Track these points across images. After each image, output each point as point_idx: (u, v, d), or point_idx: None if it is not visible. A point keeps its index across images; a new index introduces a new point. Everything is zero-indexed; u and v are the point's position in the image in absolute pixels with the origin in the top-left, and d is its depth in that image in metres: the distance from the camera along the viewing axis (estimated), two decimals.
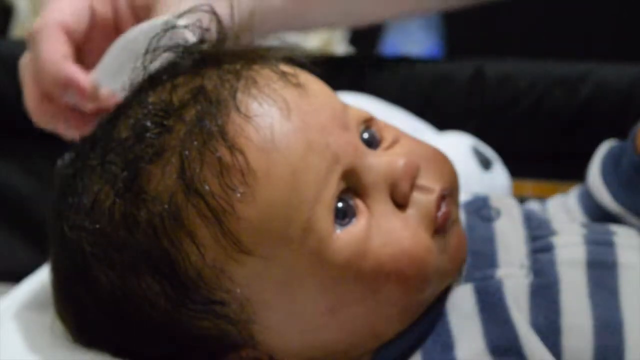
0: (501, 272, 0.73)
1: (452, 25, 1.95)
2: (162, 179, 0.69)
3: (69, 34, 0.83)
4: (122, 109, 0.74)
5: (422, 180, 0.72)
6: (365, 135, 0.73)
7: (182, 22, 0.76)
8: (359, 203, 0.71)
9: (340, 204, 0.70)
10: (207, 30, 0.75)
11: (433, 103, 1.03)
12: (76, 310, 0.73)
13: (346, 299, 0.69)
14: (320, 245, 0.68)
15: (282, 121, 0.69)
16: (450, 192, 0.73)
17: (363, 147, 0.72)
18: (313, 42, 1.57)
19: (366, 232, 0.70)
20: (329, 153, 0.70)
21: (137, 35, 0.78)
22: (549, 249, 0.74)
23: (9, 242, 1.08)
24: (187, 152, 0.68)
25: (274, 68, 0.72)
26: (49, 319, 0.76)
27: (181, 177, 0.68)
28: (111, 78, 0.79)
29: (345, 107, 0.74)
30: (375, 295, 0.70)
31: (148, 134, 0.70)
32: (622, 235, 0.76)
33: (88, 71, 0.82)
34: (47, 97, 0.84)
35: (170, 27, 0.75)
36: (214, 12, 0.75)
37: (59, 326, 0.75)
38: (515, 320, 0.71)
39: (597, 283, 0.72)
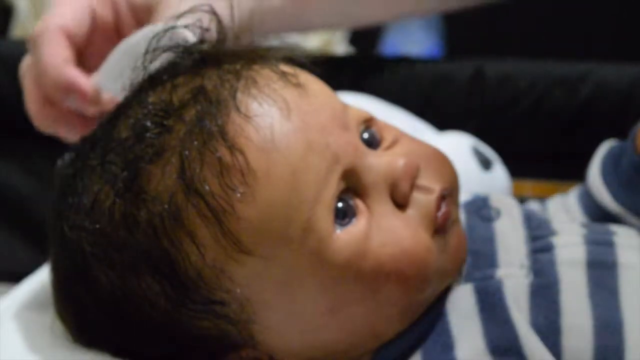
0: (501, 272, 0.73)
1: (452, 25, 1.95)
2: (162, 179, 0.69)
3: (70, 37, 0.83)
4: (122, 109, 0.74)
5: (422, 180, 0.72)
6: (365, 135, 0.73)
7: (182, 22, 0.75)
8: (359, 203, 0.71)
9: (340, 204, 0.70)
10: (207, 30, 0.75)
11: (433, 103, 1.03)
12: (76, 310, 0.73)
13: (346, 299, 0.69)
14: (320, 245, 0.68)
15: (282, 121, 0.69)
16: (450, 192, 0.73)
17: (363, 147, 0.72)
18: (313, 42, 1.57)
19: (366, 232, 0.70)
20: (329, 153, 0.70)
21: (139, 39, 0.78)
22: (549, 249, 0.74)
23: (9, 242, 1.08)
24: (187, 152, 0.68)
25: (274, 68, 0.72)
26: (49, 319, 0.76)
27: (181, 177, 0.68)
28: (113, 82, 0.79)
29: (345, 107, 0.74)
30: (375, 295, 0.70)
31: (148, 134, 0.70)
32: (622, 235, 0.76)
33: (89, 75, 0.82)
34: (48, 101, 0.84)
35: (170, 28, 0.75)
36: (214, 12, 0.75)
37: (59, 326, 0.75)
38: (515, 320, 0.71)
39: (597, 283, 0.72)
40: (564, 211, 0.84)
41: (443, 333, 0.71)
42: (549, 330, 0.71)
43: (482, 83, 1.03)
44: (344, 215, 0.70)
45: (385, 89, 1.02)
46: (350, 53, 1.59)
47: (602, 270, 0.73)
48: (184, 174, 0.68)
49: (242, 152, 0.68)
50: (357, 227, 0.70)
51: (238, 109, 0.69)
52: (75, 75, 0.81)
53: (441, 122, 1.00)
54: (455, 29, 1.93)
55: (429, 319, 0.72)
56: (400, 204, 0.71)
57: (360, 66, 1.06)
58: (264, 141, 0.68)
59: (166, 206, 0.68)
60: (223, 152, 0.68)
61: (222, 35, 0.76)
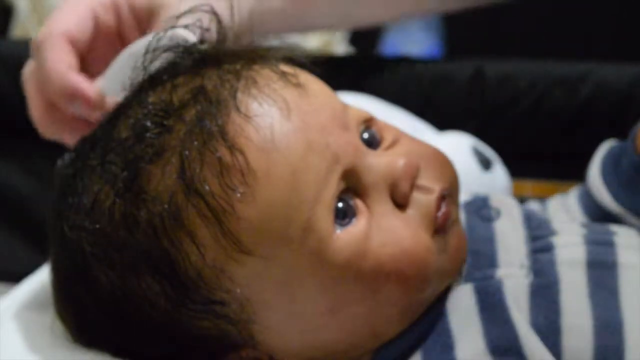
0: (501, 272, 0.73)
1: (452, 25, 1.95)
2: (162, 179, 0.69)
3: (74, 43, 0.82)
4: (122, 109, 0.74)
5: (422, 180, 0.72)
6: (366, 135, 0.73)
7: (182, 22, 0.76)
8: (359, 203, 0.71)
9: (340, 204, 0.70)
10: (207, 30, 0.75)
11: (433, 103, 1.03)
12: (76, 310, 0.73)
13: (346, 299, 0.69)
14: (320, 245, 0.68)
15: (282, 121, 0.69)
16: (450, 192, 0.73)
17: (363, 147, 0.72)
18: (313, 42, 1.57)
19: (366, 232, 0.70)
20: (329, 153, 0.70)
21: (143, 46, 0.78)
22: (549, 249, 0.74)
23: (9, 242, 1.08)
24: (187, 152, 0.68)
25: (274, 68, 0.72)
26: (49, 319, 0.76)
27: (181, 177, 0.68)
28: (117, 88, 0.79)
29: (345, 107, 0.74)
30: (375, 295, 0.70)
31: (148, 134, 0.70)
32: (622, 235, 0.76)
33: (92, 80, 0.82)
34: (52, 107, 0.83)
35: (170, 28, 0.75)
36: (214, 12, 0.76)
37: (59, 326, 0.75)
38: (515, 320, 0.71)
39: (597, 283, 0.72)
40: (564, 211, 0.84)
41: (443, 333, 0.72)
42: (549, 330, 0.71)
43: (482, 83, 1.03)
44: (344, 215, 0.70)
45: (385, 89, 1.02)
46: (350, 53, 1.59)
47: (602, 270, 0.73)
48: (184, 174, 0.68)
49: (242, 152, 0.68)
50: (357, 227, 0.70)
51: (238, 109, 0.69)
52: (80, 81, 0.81)
53: (441, 122, 1.00)
54: (455, 29, 1.93)
55: (429, 319, 0.72)
56: (400, 204, 0.71)
57: (360, 66, 1.06)
58: (264, 141, 0.68)
59: (166, 206, 0.68)
60: (223, 152, 0.68)
61: (222, 35, 0.76)
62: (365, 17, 1.05)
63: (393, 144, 0.74)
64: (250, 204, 0.68)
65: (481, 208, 0.78)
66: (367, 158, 0.71)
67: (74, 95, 0.80)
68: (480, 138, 0.96)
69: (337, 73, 0.92)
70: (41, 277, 0.82)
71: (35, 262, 0.88)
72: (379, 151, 0.73)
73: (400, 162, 0.72)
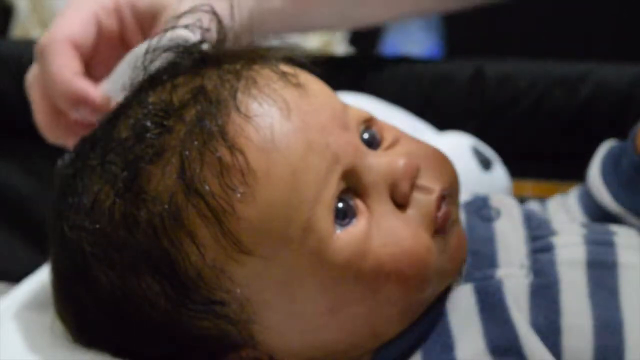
0: (501, 272, 0.73)
1: (452, 25, 1.95)
2: (162, 179, 0.69)
3: (77, 48, 0.82)
4: (122, 109, 0.74)
5: (422, 181, 0.72)
6: (366, 136, 0.73)
7: (182, 22, 0.76)
8: (359, 203, 0.71)
9: (340, 204, 0.70)
10: (207, 30, 0.75)
11: (433, 103, 1.03)
12: (76, 310, 0.73)
13: (346, 299, 0.69)
14: (320, 245, 0.68)
15: (282, 121, 0.69)
16: (450, 192, 0.73)
17: (363, 147, 0.72)
18: (313, 42, 1.57)
19: (366, 232, 0.70)
20: (329, 153, 0.70)
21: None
22: (549, 249, 0.74)
23: (9, 242, 1.08)
24: (187, 152, 0.68)
25: (274, 68, 0.72)
26: (49, 319, 0.76)
27: (181, 177, 0.68)
28: (121, 92, 0.79)
29: (345, 107, 0.74)
30: (375, 295, 0.70)
31: (148, 134, 0.70)
32: (622, 235, 0.76)
33: (95, 83, 0.82)
34: (57, 112, 0.83)
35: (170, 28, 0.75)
36: (214, 12, 0.76)
37: (59, 326, 0.75)
38: (515, 320, 0.71)
39: (597, 283, 0.72)
40: (564, 211, 0.84)
41: (443, 333, 0.72)
42: (549, 330, 0.71)
43: (482, 83, 1.03)
44: (344, 216, 0.70)
45: (385, 89, 1.02)
46: (350, 53, 1.59)
47: (602, 270, 0.73)
48: (184, 174, 0.68)
49: (242, 152, 0.68)
50: (357, 227, 0.70)
51: (238, 109, 0.69)
52: (85, 86, 0.81)
53: (441, 122, 1.00)
54: (455, 29, 1.93)
55: (429, 319, 0.72)
56: (401, 204, 0.71)
57: (360, 66, 1.06)
58: (264, 141, 0.68)
59: (166, 206, 0.68)
60: (223, 152, 0.68)
61: (222, 35, 0.76)
62: (365, 17, 1.05)
63: (393, 144, 0.74)
64: (250, 204, 0.68)
65: (481, 208, 0.78)
66: (367, 158, 0.71)
67: (80, 101, 0.80)
68: (480, 138, 0.96)
69: (337, 73, 0.92)
70: (41, 277, 0.82)
71: (35, 262, 0.88)
72: (379, 151, 0.73)
73: (401, 162, 0.72)
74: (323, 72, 0.75)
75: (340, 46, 1.63)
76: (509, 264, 0.74)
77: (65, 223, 0.71)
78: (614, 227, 0.78)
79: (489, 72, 1.03)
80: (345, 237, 0.69)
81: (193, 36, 0.75)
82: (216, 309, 0.69)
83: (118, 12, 0.85)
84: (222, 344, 0.70)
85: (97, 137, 0.73)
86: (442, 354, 0.71)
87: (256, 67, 0.73)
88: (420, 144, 0.75)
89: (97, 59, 0.84)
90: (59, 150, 0.80)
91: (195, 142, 0.68)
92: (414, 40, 1.96)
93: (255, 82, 0.71)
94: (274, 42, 0.92)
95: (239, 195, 0.67)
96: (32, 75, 0.85)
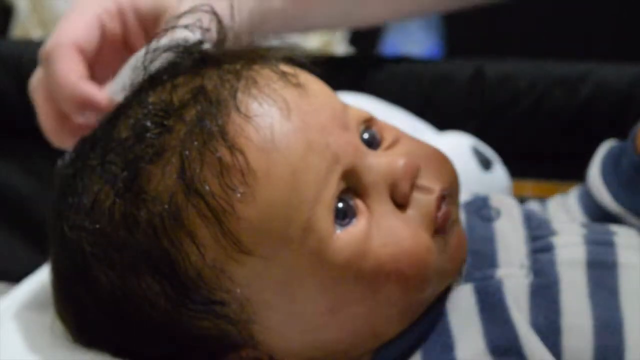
0: (501, 272, 0.73)
1: (452, 25, 1.95)
2: (162, 179, 0.69)
3: (82, 52, 0.82)
4: (122, 109, 0.74)
5: (422, 180, 0.72)
6: (366, 136, 0.73)
7: (182, 22, 0.76)
8: (359, 203, 0.71)
9: (340, 204, 0.70)
10: (207, 30, 0.75)
11: (433, 103, 1.03)
12: (76, 310, 0.73)
13: (346, 299, 0.69)
14: (320, 245, 0.68)
15: (282, 121, 0.69)
16: (450, 192, 0.73)
17: (363, 147, 0.72)
18: (313, 42, 1.57)
19: (366, 232, 0.70)
20: (329, 153, 0.70)
21: None
22: (549, 249, 0.74)
23: (9, 242, 1.08)
24: (187, 152, 0.68)
25: (274, 68, 0.72)
26: (49, 319, 0.76)
27: (181, 177, 0.68)
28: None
29: (345, 107, 0.74)
30: (375, 295, 0.70)
31: (148, 134, 0.70)
32: (622, 235, 0.76)
33: (99, 87, 0.82)
34: (62, 116, 0.83)
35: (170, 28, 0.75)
36: (214, 12, 0.75)
37: (59, 326, 0.75)
38: (515, 320, 0.71)
39: (597, 283, 0.72)
40: (564, 211, 0.84)
41: (443, 333, 0.72)
42: (549, 330, 0.71)
43: (482, 83, 1.03)
44: (344, 216, 0.70)
45: (385, 89, 1.02)
46: (350, 53, 1.59)
47: (602, 270, 0.73)
48: (184, 174, 0.68)
49: (242, 152, 0.68)
50: (357, 227, 0.70)
51: (238, 109, 0.69)
52: (91, 90, 0.80)
53: (441, 122, 1.00)
54: (455, 29, 1.93)
55: (429, 319, 0.72)
56: (401, 204, 0.71)
57: (360, 66, 1.06)
58: (264, 141, 0.68)
59: (166, 206, 0.68)
60: (223, 152, 0.68)
61: (222, 35, 0.76)
62: (366, 16, 1.05)
63: (393, 144, 0.74)
64: (250, 204, 0.68)
65: (481, 208, 0.78)
66: (367, 158, 0.71)
67: (85, 104, 0.80)
68: (480, 138, 0.96)
69: (337, 73, 0.92)
70: (41, 277, 0.82)
71: (35, 262, 0.88)
72: (379, 151, 0.73)
73: (401, 162, 0.72)
74: (323, 72, 0.75)
75: (340, 46, 1.63)
76: (509, 264, 0.74)
77: (65, 223, 0.71)
78: (614, 227, 0.78)
79: (489, 72, 1.03)
80: (345, 237, 0.69)
81: (193, 36, 0.75)
82: (216, 309, 0.69)
83: (121, 15, 0.85)
84: (222, 344, 0.70)
85: (97, 137, 0.73)
86: (442, 354, 0.71)
87: (256, 67, 0.73)
88: (420, 144, 0.75)
89: (100, 62, 0.84)
90: (59, 150, 0.80)
91: (195, 142, 0.68)
92: (414, 40, 1.96)
93: (255, 82, 0.71)
94: (274, 42, 0.91)
95: (239, 195, 0.67)
96: (36, 80, 0.85)
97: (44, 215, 0.76)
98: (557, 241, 0.75)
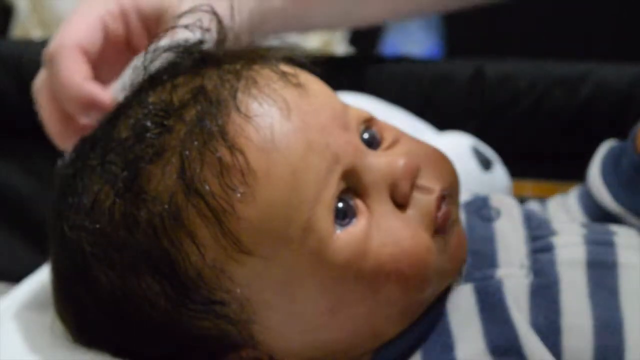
0: (501, 272, 0.73)
1: (452, 25, 1.95)
2: (162, 179, 0.69)
3: (86, 53, 0.82)
4: (122, 109, 0.74)
5: (422, 180, 0.72)
6: (366, 136, 0.73)
7: (182, 22, 0.76)
8: (359, 203, 0.71)
9: (340, 204, 0.70)
10: (207, 30, 0.75)
11: (433, 103, 1.03)
12: (76, 310, 0.73)
13: (346, 299, 0.69)
14: (320, 245, 0.68)
15: (282, 121, 0.69)
16: (450, 192, 0.73)
17: (363, 147, 0.72)
18: (313, 42, 1.57)
19: (366, 232, 0.70)
20: (329, 153, 0.70)
21: None
22: (549, 249, 0.74)
23: (9, 242, 1.08)
24: (187, 152, 0.68)
25: (274, 68, 0.72)
26: (49, 319, 0.76)
27: (181, 177, 0.68)
28: None
29: (345, 107, 0.74)
30: (376, 295, 0.70)
31: (148, 134, 0.70)
32: (622, 235, 0.76)
33: (103, 87, 0.82)
34: (66, 117, 0.83)
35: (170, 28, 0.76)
36: (214, 12, 0.76)
37: (59, 326, 0.75)
38: (515, 320, 0.71)
39: (597, 283, 0.72)
40: (564, 211, 0.84)
41: (443, 333, 0.72)
42: (549, 330, 0.71)
43: (482, 83, 1.03)
44: (344, 216, 0.70)
45: (385, 89, 1.02)
46: (350, 53, 1.59)
47: (602, 270, 0.73)
48: (184, 174, 0.68)
49: (242, 152, 0.68)
50: (357, 227, 0.70)
51: (238, 109, 0.69)
52: (96, 91, 0.80)
53: (441, 122, 1.00)
54: (455, 29, 1.92)
55: (429, 319, 0.72)
56: (401, 204, 0.71)
57: (360, 66, 1.06)
58: (264, 141, 0.68)
59: (166, 206, 0.68)
60: (223, 152, 0.68)
61: (222, 35, 0.76)
62: (366, 15, 1.05)
63: (393, 144, 0.74)
64: (250, 204, 0.68)
65: (481, 208, 0.78)
66: (367, 158, 0.71)
67: (90, 105, 0.80)
68: (480, 138, 0.96)
69: (337, 73, 0.92)
70: (41, 277, 0.82)
71: (35, 262, 0.88)
72: (379, 151, 0.73)
73: (401, 162, 0.72)
74: (323, 72, 0.75)
75: (340, 46, 1.63)
76: (509, 264, 0.74)
77: (65, 223, 0.71)
78: (614, 227, 0.78)
79: (489, 72, 1.03)
80: (345, 237, 0.69)
81: (193, 36, 0.75)
82: (216, 309, 0.69)
83: (124, 16, 0.85)
84: (222, 344, 0.70)
85: (97, 137, 0.73)
86: (442, 354, 0.71)
87: (256, 67, 0.73)
88: (420, 144, 0.75)
89: (103, 63, 0.84)
90: (59, 151, 0.80)
91: (196, 142, 0.68)
92: (414, 40, 1.96)
93: (255, 82, 0.71)
94: (274, 42, 0.92)
95: (239, 195, 0.67)
96: (40, 81, 0.85)
97: (44, 215, 0.76)
98: (557, 241, 0.75)
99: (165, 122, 0.70)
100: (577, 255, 0.74)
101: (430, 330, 0.72)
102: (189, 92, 0.71)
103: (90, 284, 0.71)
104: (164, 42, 0.75)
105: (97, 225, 0.70)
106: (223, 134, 0.68)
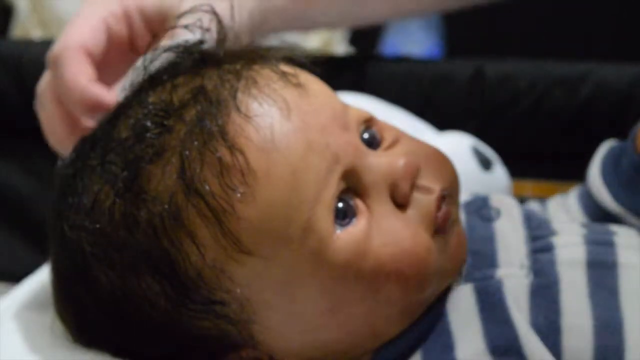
0: (501, 272, 0.73)
1: (452, 25, 1.95)
2: (162, 179, 0.69)
3: (89, 55, 0.82)
4: (122, 109, 0.74)
5: (422, 180, 0.72)
6: (366, 136, 0.73)
7: (182, 22, 0.76)
8: (359, 203, 0.71)
9: (340, 204, 0.70)
10: (207, 30, 0.75)
11: (433, 103, 1.03)
12: (76, 310, 0.73)
13: (346, 299, 0.69)
14: (320, 245, 0.68)
15: (282, 121, 0.69)
16: (450, 192, 0.73)
17: (363, 147, 0.72)
18: (313, 42, 1.57)
19: (366, 232, 0.70)
20: (329, 153, 0.70)
21: None
22: (549, 249, 0.74)
23: (9, 242, 1.08)
24: (187, 152, 0.68)
25: (274, 68, 0.72)
26: (49, 319, 0.76)
27: (181, 177, 0.68)
28: None
29: (345, 107, 0.74)
30: (375, 295, 0.70)
31: (148, 134, 0.70)
32: (622, 235, 0.76)
33: (107, 88, 0.82)
34: (70, 120, 0.83)
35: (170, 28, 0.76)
36: (214, 12, 0.76)
37: (59, 326, 0.75)
38: (515, 320, 0.71)
39: (597, 283, 0.72)
40: (564, 211, 0.84)
41: (443, 333, 0.72)
42: (549, 330, 0.71)
43: (482, 83, 1.03)
44: (344, 216, 0.70)
45: (385, 89, 1.02)
46: (350, 53, 1.59)
47: (602, 270, 0.73)
48: (184, 174, 0.68)
49: (242, 152, 0.68)
50: (357, 227, 0.70)
51: (238, 109, 0.69)
52: (101, 92, 0.80)
53: (441, 122, 1.00)
54: (455, 29, 1.93)
55: (429, 319, 0.72)
56: (401, 204, 0.71)
57: (360, 66, 1.06)
58: (264, 141, 0.68)
59: (166, 206, 0.68)
60: (223, 152, 0.68)
61: (222, 35, 0.76)
62: (366, 15, 1.05)
63: (393, 144, 0.74)
64: (250, 204, 0.68)
65: (481, 208, 0.78)
66: (367, 158, 0.71)
67: (96, 107, 0.80)
68: (480, 138, 0.96)
69: (337, 73, 0.92)
70: (41, 277, 0.82)
71: (35, 262, 0.88)
72: (379, 151, 0.73)
73: (401, 162, 0.72)
74: (323, 72, 0.75)
75: (340, 46, 1.63)
76: (509, 264, 0.74)
77: (65, 223, 0.71)
78: (614, 227, 0.78)
79: (489, 72, 1.03)
80: (345, 237, 0.69)
81: (193, 36, 0.75)
82: (216, 309, 0.69)
83: (127, 18, 0.85)
84: (222, 344, 0.70)
85: (97, 137, 0.73)
86: (442, 354, 0.71)
87: (256, 67, 0.73)
88: (420, 144, 0.76)
89: (107, 64, 0.84)
90: None
91: (196, 142, 0.68)
92: (414, 40, 1.96)
93: (255, 82, 0.71)
94: (274, 42, 0.92)
95: (239, 195, 0.67)
96: (44, 84, 0.85)
97: (44, 215, 0.76)
98: (557, 241, 0.75)
99: (165, 122, 0.70)
100: (577, 255, 0.74)
101: (430, 330, 0.72)
102: (189, 92, 0.71)
103: (90, 284, 0.71)
104: (164, 42, 0.75)
105: (97, 225, 0.70)
106: (223, 134, 0.68)
